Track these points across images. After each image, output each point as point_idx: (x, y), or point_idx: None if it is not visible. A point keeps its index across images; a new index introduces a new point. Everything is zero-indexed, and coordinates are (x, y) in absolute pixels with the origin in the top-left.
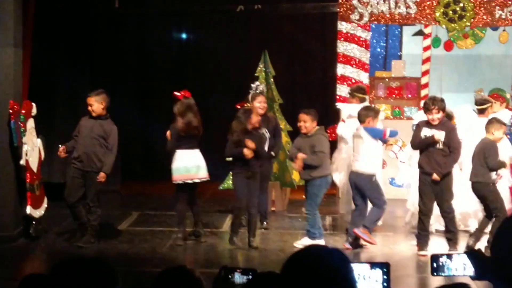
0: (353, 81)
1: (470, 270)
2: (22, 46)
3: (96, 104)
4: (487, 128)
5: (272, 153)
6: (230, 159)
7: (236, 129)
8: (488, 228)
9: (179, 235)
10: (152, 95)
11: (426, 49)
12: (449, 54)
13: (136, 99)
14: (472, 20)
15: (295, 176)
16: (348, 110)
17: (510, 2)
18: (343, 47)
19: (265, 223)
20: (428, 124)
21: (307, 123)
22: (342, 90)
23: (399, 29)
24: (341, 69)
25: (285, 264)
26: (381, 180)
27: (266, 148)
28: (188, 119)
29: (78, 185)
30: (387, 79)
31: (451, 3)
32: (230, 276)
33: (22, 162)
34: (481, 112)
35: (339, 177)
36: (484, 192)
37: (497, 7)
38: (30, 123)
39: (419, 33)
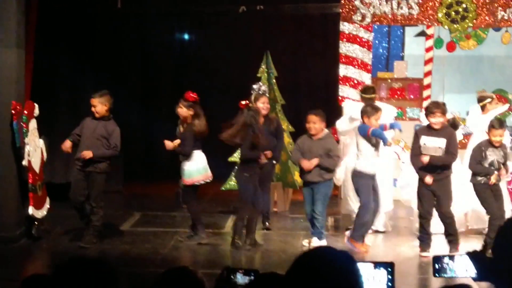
0: (355, 82)
1: (472, 271)
2: (24, 47)
3: (100, 105)
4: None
5: (274, 161)
6: (236, 160)
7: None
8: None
9: (202, 235)
10: (154, 95)
11: (428, 50)
12: (452, 55)
13: (138, 99)
14: (474, 21)
15: (297, 177)
16: (350, 109)
17: None
18: (345, 48)
19: (267, 223)
20: (428, 130)
21: (316, 124)
22: (344, 91)
23: (401, 30)
24: (343, 70)
25: (293, 265)
26: (385, 181)
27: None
28: (205, 121)
29: (82, 185)
30: (389, 80)
31: (454, 4)
32: (232, 277)
33: (24, 162)
34: (482, 109)
35: (340, 176)
36: (475, 192)
37: (500, 8)
38: (33, 124)
39: (422, 34)
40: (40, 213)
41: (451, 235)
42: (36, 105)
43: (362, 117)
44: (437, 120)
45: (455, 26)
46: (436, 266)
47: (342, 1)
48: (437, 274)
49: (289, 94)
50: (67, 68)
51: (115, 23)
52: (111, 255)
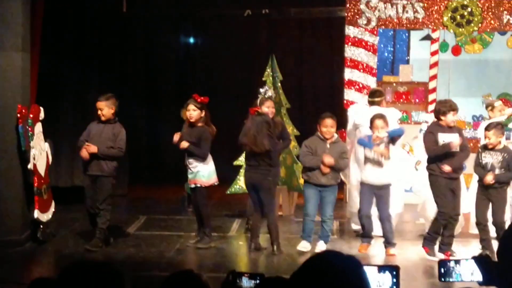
0: (361, 85)
1: (478, 275)
2: (30, 50)
3: (107, 108)
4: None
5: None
6: (241, 163)
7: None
8: None
9: (210, 237)
10: (159, 98)
11: (433, 53)
12: (457, 59)
13: (143, 102)
14: (480, 25)
15: (302, 181)
16: (354, 114)
17: None
18: (350, 51)
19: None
20: (441, 127)
21: (333, 128)
22: (350, 94)
23: (406, 34)
24: (349, 74)
25: (300, 269)
26: (396, 184)
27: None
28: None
29: (95, 191)
30: (394, 84)
31: (459, 8)
32: (238, 281)
33: (29, 166)
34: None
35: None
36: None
37: (505, 12)
38: (38, 127)
39: (427, 37)
40: (46, 217)
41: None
42: (42, 109)
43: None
44: (455, 119)
45: (460, 30)
46: (442, 270)
47: (348, 5)
48: (442, 279)
49: (294, 97)
50: (72, 71)
51: (121, 27)
52: (116, 259)
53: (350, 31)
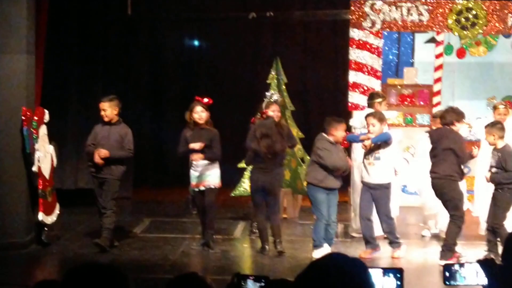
0: (365, 88)
1: (483, 278)
2: (34, 52)
3: (110, 109)
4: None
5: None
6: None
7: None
8: None
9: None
10: (164, 101)
11: (438, 56)
12: (462, 62)
13: (148, 105)
14: (484, 27)
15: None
16: (353, 118)
17: None
18: (355, 54)
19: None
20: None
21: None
22: (354, 97)
23: (411, 37)
24: (353, 76)
25: (305, 271)
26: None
27: None
28: None
29: (102, 192)
30: (399, 86)
31: (464, 11)
32: (242, 283)
33: (34, 168)
34: None
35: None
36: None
37: (510, 15)
38: (43, 130)
39: (432, 40)
40: (50, 219)
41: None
42: (46, 111)
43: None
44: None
45: (465, 32)
46: (447, 273)
47: (352, 8)
48: (447, 282)
49: (298, 100)
50: (77, 74)
51: (126, 29)
52: (121, 261)
53: (355, 33)
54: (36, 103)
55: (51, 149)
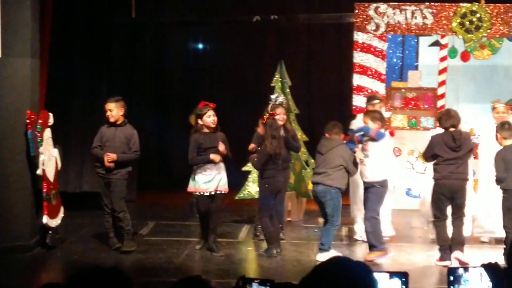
0: (369, 91)
1: (487, 282)
2: (39, 56)
3: (116, 110)
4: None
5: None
6: (250, 169)
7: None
8: None
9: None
10: (168, 104)
11: (442, 59)
12: (466, 65)
13: (152, 108)
14: (488, 30)
15: (311, 187)
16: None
17: None
18: (359, 57)
19: (281, 233)
20: None
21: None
22: (358, 100)
23: (415, 40)
24: (357, 80)
25: (310, 275)
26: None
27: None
28: None
29: (109, 193)
30: (403, 90)
31: (468, 14)
32: (248, 287)
33: (38, 172)
34: None
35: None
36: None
37: None
38: (47, 133)
39: (436, 43)
40: (54, 222)
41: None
42: (51, 114)
43: None
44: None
45: (469, 35)
46: (451, 277)
47: (356, 11)
48: (451, 286)
49: (303, 103)
50: (81, 77)
51: (130, 32)
52: (125, 264)
53: (359, 37)
54: (41, 107)
55: (55, 152)
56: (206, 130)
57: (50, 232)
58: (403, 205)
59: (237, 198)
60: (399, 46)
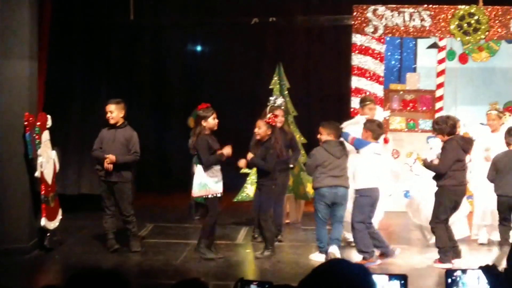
0: (368, 93)
1: (484, 285)
2: (37, 58)
3: (116, 111)
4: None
5: (291, 165)
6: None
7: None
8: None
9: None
10: (167, 106)
11: (440, 61)
12: (464, 67)
13: (151, 110)
14: (487, 33)
15: (310, 189)
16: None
17: None
18: (357, 59)
19: (279, 236)
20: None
21: (323, 135)
22: (357, 102)
23: (413, 42)
24: (356, 82)
25: (308, 277)
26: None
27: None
28: None
29: (111, 195)
30: (401, 92)
31: (466, 16)
32: None
33: (37, 174)
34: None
35: None
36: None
37: None
38: (45, 135)
39: (434, 46)
40: (53, 225)
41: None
42: (49, 117)
43: None
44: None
45: (467, 38)
46: (449, 280)
47: (355, 13)
48: None
49: (301, 105)
50: (80, 79)
51: (128, 35)
52: (123, 266)
53: (357, 39)
54: (39, 109)
55: (53, 154)
56: (207, 132)
57: (49, 234)
58: (401, 207)
59: (235, 200)
60: (397, 48)
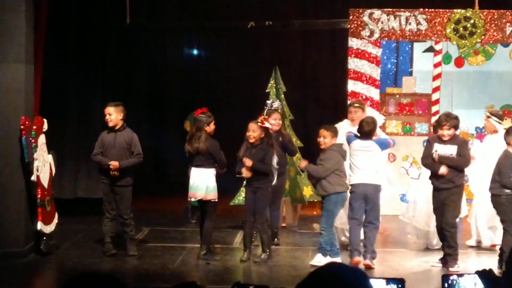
0: (364, 97)
1: None
2: (33, 62)
3: (115, 114)
4: (506, 139)
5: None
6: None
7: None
8: None
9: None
10: (163, 110)
11: (436, 65)
12: (460, 71)
13: (148, 114)
14: (482, 36)
15: (306, 192)
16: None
17: None
18: (353, 63)
19: (276, 239)
20: (439, 139)
21: (327, 139)
22: None
23: (409, 46)
24: (352, 85)
25: (305, 281)
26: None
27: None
28: None
29: (112, 199)
30: (397, 96)
31: (462, 20)
32: None
33: (33, 178)
34: None
35: None
36: (495, 204)
37: (508, 24)
38: (42, 139)
39: (430, 49)
40: (49, 228)
41: (451, 248)
42: (45, 120)
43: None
44: (445, 133)
45: (463, 41)
46: (445, 284)
47: (351, 17)
48: None
49: (297, 109)
50: (76, 83)
51: (124, 39)
52: (120, 270)
53: (353, 42)
54: (35, 112)
55: (50, 158)
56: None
57: (45, 238)
58: (398, 210)
59: (231, 204)
60: (393, 52)
